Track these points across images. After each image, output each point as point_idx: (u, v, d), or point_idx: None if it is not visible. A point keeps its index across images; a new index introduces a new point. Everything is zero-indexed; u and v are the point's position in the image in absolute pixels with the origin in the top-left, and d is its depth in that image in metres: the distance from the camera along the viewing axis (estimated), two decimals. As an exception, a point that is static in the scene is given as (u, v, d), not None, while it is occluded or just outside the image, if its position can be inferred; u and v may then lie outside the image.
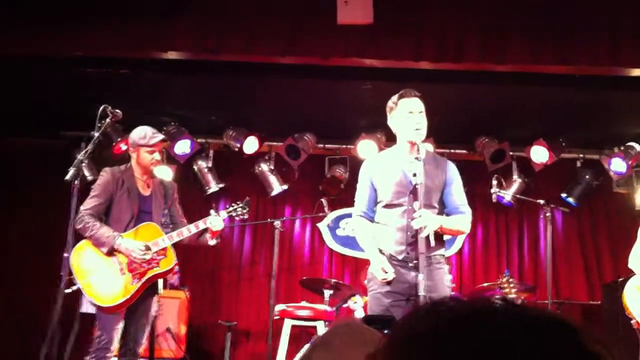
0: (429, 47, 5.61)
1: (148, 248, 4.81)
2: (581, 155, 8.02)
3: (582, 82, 6.20)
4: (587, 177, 7.90)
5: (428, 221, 3.95)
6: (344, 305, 6.38)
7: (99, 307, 4.77)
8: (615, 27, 5.55)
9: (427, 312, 0.85)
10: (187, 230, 4.94)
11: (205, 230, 5.03)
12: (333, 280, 6.62)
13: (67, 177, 4.38)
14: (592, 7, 5.55)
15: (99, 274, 4.77)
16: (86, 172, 7.27)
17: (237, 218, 5.28)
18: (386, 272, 4.01)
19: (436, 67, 5.80)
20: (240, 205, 5.27)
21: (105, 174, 4.97)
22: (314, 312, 6.40)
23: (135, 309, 4.84)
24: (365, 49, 5.65)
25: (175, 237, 4.91)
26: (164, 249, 4.87)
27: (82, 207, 4.77)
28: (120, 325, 4.78)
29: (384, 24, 5.52)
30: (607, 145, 7.87)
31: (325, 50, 5.70)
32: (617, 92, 6.50)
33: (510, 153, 7.68)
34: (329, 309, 6.41)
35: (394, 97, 4.26)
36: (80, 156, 4.62)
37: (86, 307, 6.69)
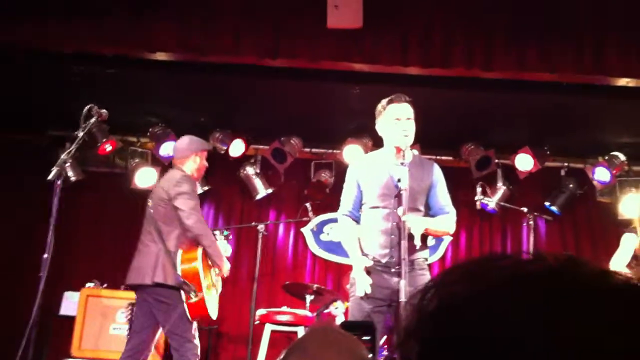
0: (417, 53, 5.62)
1: None
2: (565, 164, 8.06)
3: (568, 91, 6.24)
4: (570, 185, 7.94)
5: (414, 226, 3.94)
6: (325, 311, 6.35)
7: (209, 321, 5.01)
8: (600, 37, 5.59)
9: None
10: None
11: None
12: (315, 285, 6.59)
13: (50, 176, 4.33)
14: (577, 16, 5.59)
15: (206, 285, 4.91)
16: (70, 172, 7.19)
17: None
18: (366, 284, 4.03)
19: (424, 72, 5.81)
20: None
21: (190, 180, 5.03)
22: (295, 317, 6.38)
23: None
24: (354, 53, 5.64)
25: None
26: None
27: (195, 209, 4.88)
28: None
29: (372, 29, 5.52)
30: (592, 154, 7.91)
31: (313, 53, 5.69)
32: (602, 101, 6.54)
33: (496, 160, 7.71)
34: (309, 314, 6.38)
35: (384, 102, 4.26)
36: (64, 155, 4.57)
37: (65, 309, 6.64)
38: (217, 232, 5.43)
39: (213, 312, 4.94)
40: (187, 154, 5.13)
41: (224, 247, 5.21)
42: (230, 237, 5.60)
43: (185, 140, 5.25)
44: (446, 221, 4.29)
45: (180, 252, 4.86)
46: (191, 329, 4.85)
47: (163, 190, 5.00)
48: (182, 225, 4.87)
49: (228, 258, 5.20)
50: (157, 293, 4.82)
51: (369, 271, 4.09)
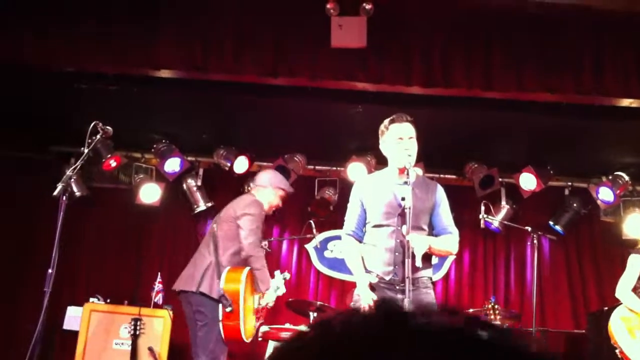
0: (419, 73, 5.66)
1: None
2: (569, 183, 8.06)
3: (570, 111, 6.26)
4: (574, 205, 7.94)
5: (418, 245, 3.96)
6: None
7: (240, 340, 4.94)
8: (599, 58, 5.63)
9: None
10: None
11: None
12: (318, 302, 6.59)
13: (55, 192, 4.36)
14: (576, 36, 5.62)
15: (247, 307, 4.99)
16: (74, 189, 7.22)
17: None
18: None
19: (426, 92, 5.85)
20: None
21: (260, 206, 5.26)
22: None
23: None
24: (357, 72, 5.69)
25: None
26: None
27: (252, 234, 5.04)
28: None
29: (376, 49, 5.56)
30: (595, 174, 7.91)
31: (317, 72, 5.73)
32: (605, 121, 6.56)
33: (499, 179, 7.72)
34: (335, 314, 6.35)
35: (386, 122, 4.29)
36: (69, 172, 4.60)
37: (69, 324, 6.66)
38: (277, 272, 5.54)
39: (247, 335, 4.99)
40: (266, 185, 5.39)
41: (278, 284, 5.36)
42: (288, 278, 5.69)
43: (271, 173, 5.64)
44: (449, 241, 4.31)
45: (227, 268, 4.98)
46: (220, 351, 4.92)
47: (233, 209, 5.24)
48: (240, 244, 5.03)
49: (278, 297, 5.41)
50: (198, 302, 4.96)
51: (373, 287, 4.10)
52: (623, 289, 5.67)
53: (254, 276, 5.03)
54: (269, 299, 5.15)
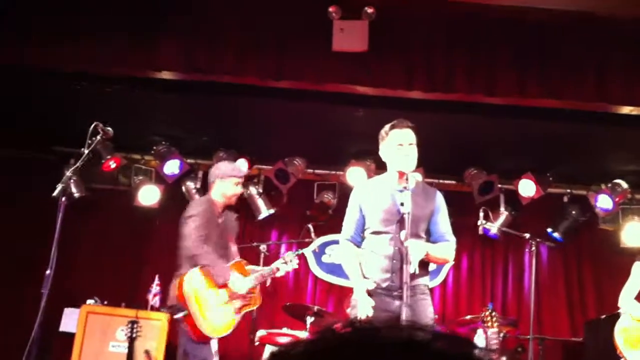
0: (420, 77, 5.66)
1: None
2: (568, 191, 8.06)
3: (571, 118, 6.27)
4: (573, 212, 7.94)
5: (415, 251, 3.96)
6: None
7: (205, 337, 4.91)
8: (602, 65, 5.63)
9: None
10: (267, 271, 5.25)
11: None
12: (316, 307, 6.57)
13: (55, 193, 4.36)
14: (578, 43, 5.63)
15: (208, 304, 4.95)
16: (74, 189, 7.21)
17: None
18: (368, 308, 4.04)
19: (427, 97, 5.85)
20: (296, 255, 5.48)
21: (203, 202, 5.29)
22: (295, 340, 6.34)
23: None
24: (358, 76, 5.69)
25: (260, 278, 5.18)
26: (254, 287, 5.14)
27: (194, 233, 4.97)
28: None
29: (377, 52, 5.56)
30: (595, 181, 7.91)
31: (318, 75, 5.73)
32: (605, 129, 6.57)
33: (499, 185, 7.71)
34: (309, 335, 6.35)
35: (386, 127, 4.28)
36: (69, 172, 4.60)
37: (65, 326, 6.64)
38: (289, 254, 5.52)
39: (213, 331, 4.93)
40: (213, 180, 5.32)
41: (287, 258, 5.33)
42: (300, 253, 5.63)
43: (217, 166, 5.50)
44: (446, 249, 4.31)
45: (179, 274, 5.00)
46: (200, 349, 4.91)
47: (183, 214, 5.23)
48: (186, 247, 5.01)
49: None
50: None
51: (370, 294, 4.09)
52: (627, 296, 5.65)
53: (209, 273, 5.00)
54: (238, 288, 5.03)
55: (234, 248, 5.34)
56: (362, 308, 4.04)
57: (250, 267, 5.32)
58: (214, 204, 5.24)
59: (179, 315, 4.84)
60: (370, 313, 4.01)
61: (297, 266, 5.50)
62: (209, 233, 5.07)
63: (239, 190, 5.31)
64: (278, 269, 5.28)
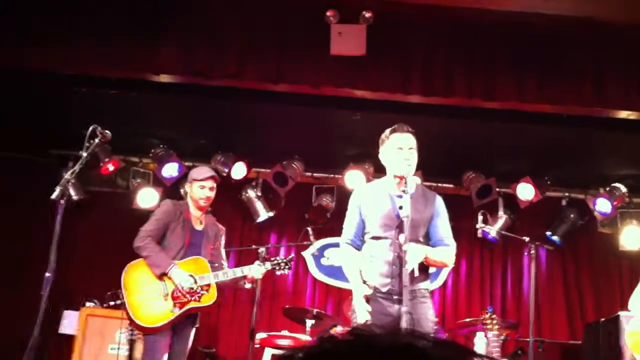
0: (418, 81, 5.68)
1: (195, 281, 5.05)
2: (567, 194, 8.07)
3: (569, 122, 6.28)
4: (572, 216, 7.95)
5: (413, 254, 3.95)
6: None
7: (139, 327, 5.07)
8: (600, 69, 5.65)
9: None
10: (232, 273, 5.21)
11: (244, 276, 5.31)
12: (315, 310, 6.58)
13: (53, 195, 4.36)
14: (577, 48, 5.64)
15: (145, 295, 5.02)
16: (72, 192, 7.21)
17: (277, 272, 5.53)
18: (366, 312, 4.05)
19: (425, 101, 5.85)
20: (285, 261, 5.51)
21: (167, 203, 5.37)
22: (295, 342, 6.35)
23: (175, 340, 5.10)
24: (356, 80, 5.70)
25: (222, 276, 5.15)
26: (208, 285, 5.10)
27: (143, 228, 5.17)
28: (165, 355, 5.00)
29: (375, 56, 5.57)
30: (593, 185, 7.92)
31: (316, 79, 5.74)
32: (603, 133, 6.58)
33: (497, 189, 7.72)
34: (309, 339, 6.36)
35: (387, 131, 4.29)
36: (67, 175, 4.60)
37: (65, 328, 6.64)
38: (257, 261, 5.50)
39: (142, 320, 4.99)
40: (185, 185, 5.47)
41: (257, 271, 5.30)
42: (275, 269, 5.53)
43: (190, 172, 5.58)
44: (446, 253, 4.29)
45: None
46: (149, 341, 5.01)
47: None
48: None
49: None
50: None
51: (370, 298, 4.09)
52: (636, 300, 5.64)
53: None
54: (178, 282, 5.00)
55: (223, 255, 5.46)
56: (360, 314, 4.05)
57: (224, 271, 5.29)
58: (187, 207, 5.32)
59: (113, 303, 5.01)
60: (369, 319, 4.01)
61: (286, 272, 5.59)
62: (171, 234, 5.17)
63: (204, 194, 5.28)
64: (242, 272, 5.26)
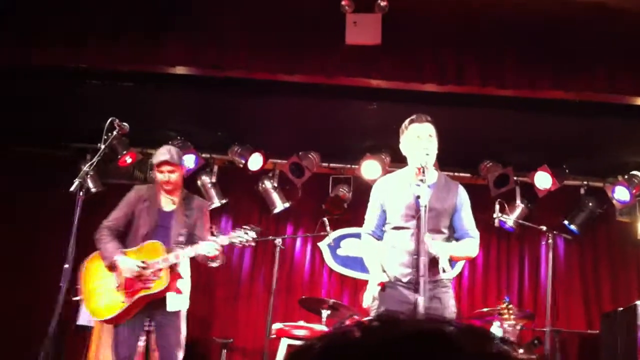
0: (434, 70, 5.65)
1: (145, 267, 4.85)
2: (585, 183, 8.01)
3: (586, 110, 6.23)
4: (590, 204, 7.89)
5: (440, 253, 3.98)
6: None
7: (94, 318, 5.08)
8: (613, 56, 5.59)
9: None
10: (184, 253, 4.90)
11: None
12: (332, 300, 6.60)
13: (72, 188, 4.42)
14: (590, 35, 5.58)
15: (99, 287, 4.94)
16: (90, 184, 7.27)
17: (239, 245, 5.08)
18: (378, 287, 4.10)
19: (440, 89, 5.83)
20: (247, 231, 5.03)
21: (131, 191, 5.29)
22: (311, 332, 6.37)
23: (158, 337, 4.98)
24: (372, 69, 5.68)
25: (172, 259, 4.88)
26: (160, 270, 4.87)
27: (104, 220, 5.09)
28: (133, 349, 4.87)
29: (390, 46, 5.55)
30: (611, 173, 7.86)
31: (331, 69, 5.73)
32: (620, 120, 6.52)
33: (514, 178, 7.68)
34: (326, 329, 6.38)
35: (406, 121, 4.32)
36: (85, 168, 4.65)
37: (83, 320, 6.70)
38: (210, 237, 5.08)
39: (93, 312, 4.99)
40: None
41: (208, 247, 4.88)
42: (234, 243, 5.03)
43: None
44: (469, 246, 4.31)
45: None
46: (115, 333, 4.94)
47: None
48: None
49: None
50: None
51: (390, 286, 4.12)
52: None
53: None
54: (123, 270, 4.86)
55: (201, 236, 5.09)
56: (366, 299, 4.13)
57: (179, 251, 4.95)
58: (157, 190, 5.20)
59: (75, 298, 4.95)
60: (371, 304, 4.09)
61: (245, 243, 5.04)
62: (137, 219, 5.07)
63: (163, 178, 5.11)
64: (196, 251, 4.88)
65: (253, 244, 5.14)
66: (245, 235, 4.98)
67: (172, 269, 4.90)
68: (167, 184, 5.13)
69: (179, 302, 4.98)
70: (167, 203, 5.18)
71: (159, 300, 4.86)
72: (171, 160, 5.11)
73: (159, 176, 5.13)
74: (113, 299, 4.87)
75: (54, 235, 6.98)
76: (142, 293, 4.83)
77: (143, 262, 4.85)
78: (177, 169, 5.16)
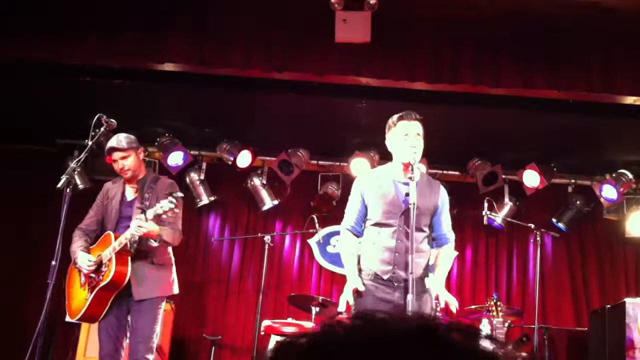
0: (424, 68, 5.65)
1: (99, 261, 4.79)
2: (572, 181, 8.05)
3: (574, 109, 6.25)
4: (577, 202, 7.93)
5: (437, 291, 4.16)
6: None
7: (82, 319, 5.02)
8: (606, 55, 5.62)
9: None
10: (123, 238, 4.70)
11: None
12: (320, 297, 6.60)
13: (59, 184, 4.38)
14: (584, 34, 5.60)
15: (73, 288, 4.97)
16: (78, 181, 7.24)
17: (164, 216, 4.64)
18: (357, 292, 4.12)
19: (431, 88, 5.84)
20: (171, 200, 4.61)
21: (102, 188, 5.18)
22: (300, 329, 6.38)
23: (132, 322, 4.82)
24: (361, 67, 5.68)
25: (117, 246, 4.72)
26: (110, 259, 4.73)
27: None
28: (122, 338, 4.81)
29: (380, 44, 5.55)
30: (599, 171, 7.90)
31: (321, 67, 5.72)
32: (609, 119, 6.56)
33: (503, 176, 7.70)
34: (314, 326, 6.37)
35: (394, 117, 4.28)
36: (72, 164, 4.62)
37: (69, 317, 6.66)
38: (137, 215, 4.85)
39: (70, 313, 5.00)
40: None
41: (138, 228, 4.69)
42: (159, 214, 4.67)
43: None
44: (449, 257, 4.46)
45: None
46: (98, 333, 4.91)
47: None
48: None
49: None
50: None
51: (360, 294, 4.13)
52: None
53: None
54: (79, 266, 4.83)
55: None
56: (341, 304, 4.20)
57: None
58: (122, 183, 5.08)
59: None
60: (343, 310, 4.15)
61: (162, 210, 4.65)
62: (108, 214, 4.98)
63: (117, 167, 4.98)
64: (132, 234, 4.69)
65: (177, 210, 4.74)
66: (169, 204, 4.60)
67: (120, 254, 4.72)
68: (123, 171, 4.95)
69: (146, 291, 4.76)
70: (130, 192, 5.04)
71: (124, 290, 4.72)
72: (118, 146, 4.92)
73: (114, 166, 5.00)
74: (79, 297, 4.89)
75: (42, 231, 6.95)
76: (99, 286, 4.72)
77: (99, 255, 4.78)
78: (129, 152, 4.94)
